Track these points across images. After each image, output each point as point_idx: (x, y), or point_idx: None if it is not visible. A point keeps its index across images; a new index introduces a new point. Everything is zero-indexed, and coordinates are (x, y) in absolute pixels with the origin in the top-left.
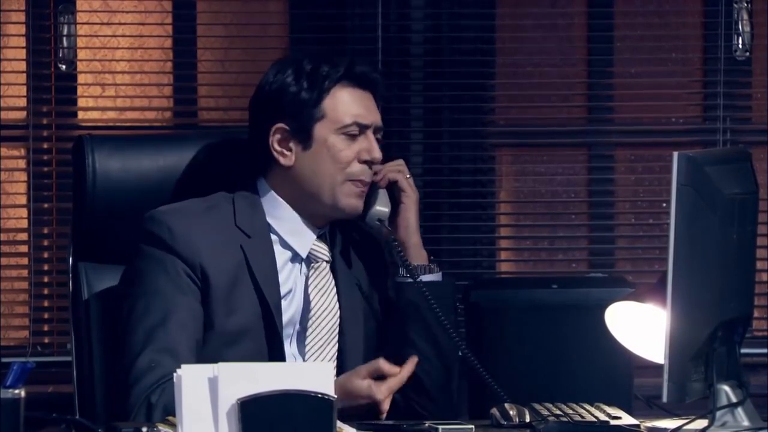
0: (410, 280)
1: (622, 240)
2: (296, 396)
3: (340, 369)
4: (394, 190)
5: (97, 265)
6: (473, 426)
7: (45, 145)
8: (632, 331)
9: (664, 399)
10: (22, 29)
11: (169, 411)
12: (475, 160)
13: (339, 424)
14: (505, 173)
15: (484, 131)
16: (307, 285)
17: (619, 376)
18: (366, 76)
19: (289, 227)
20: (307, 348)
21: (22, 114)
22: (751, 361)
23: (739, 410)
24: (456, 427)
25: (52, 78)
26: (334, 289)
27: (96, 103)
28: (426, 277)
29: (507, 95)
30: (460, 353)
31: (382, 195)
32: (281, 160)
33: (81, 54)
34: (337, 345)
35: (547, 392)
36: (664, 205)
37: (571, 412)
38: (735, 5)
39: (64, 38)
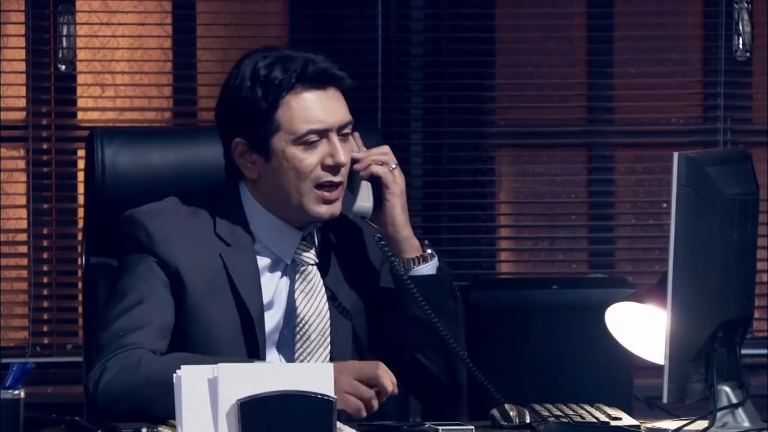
0: (402, 274)
1: (622, 240)
2: (296, 396)
3: None
4: (379, 183)
5: (108, 260)
6: (473, 426)
7: (44, 146)
8: (632, 332)
9: (665, 400)
10: (22, 29)
11: (124, 374)
12: (475, 160)
13: (339, 424)
14: (505, 173)
15: (484, 131)
16: (293, 290)
17: (619, 377)
18: (323, 74)
19: (270, 233)
20: (297, 354)
21: (22, 114)
22: (752, 362)
23: (740, 411)
24: (456, 428)
25: (51, 78)
26: (323, 291)
27: (96, 103)
28: (420, 270)
29: (507, 95)
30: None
31: (364, 188)
32: (245, 172)
33: (80, 54)
34: (329, 348)
35: (547, 393)
36: (665, 205)
37: (571, 412)
38: (735, 5)
39: (64, 38)
